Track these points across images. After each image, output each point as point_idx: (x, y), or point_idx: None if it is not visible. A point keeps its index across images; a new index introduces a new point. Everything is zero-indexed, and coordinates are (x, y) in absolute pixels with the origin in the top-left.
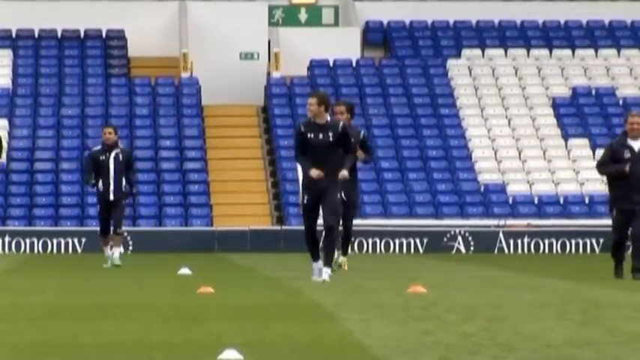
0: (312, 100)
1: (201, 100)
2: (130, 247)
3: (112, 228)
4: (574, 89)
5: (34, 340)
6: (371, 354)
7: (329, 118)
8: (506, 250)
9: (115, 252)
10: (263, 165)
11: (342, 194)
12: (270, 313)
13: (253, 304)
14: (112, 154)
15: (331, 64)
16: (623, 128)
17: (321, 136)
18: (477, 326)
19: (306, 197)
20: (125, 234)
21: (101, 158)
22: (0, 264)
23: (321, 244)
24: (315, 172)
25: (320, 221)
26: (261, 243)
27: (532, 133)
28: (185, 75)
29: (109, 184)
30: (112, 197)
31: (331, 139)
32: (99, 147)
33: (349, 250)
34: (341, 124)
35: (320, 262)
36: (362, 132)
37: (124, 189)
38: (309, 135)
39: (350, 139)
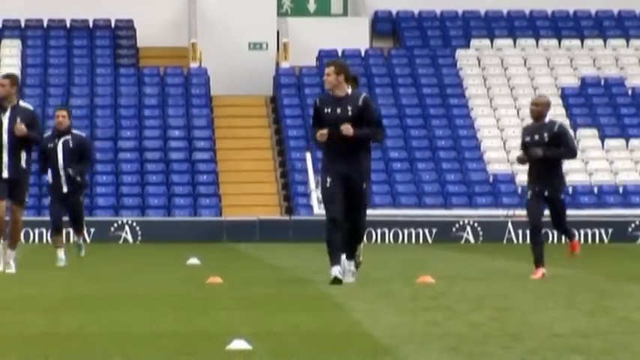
0: (329, 69)
1: (210, 90)
2: (139, 237)
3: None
4: (583, 79)
5: (43, 331)
6: (380, 344)
7: (349, 91)
8: (515, 240)
9: (79, 239)
10: (272, 155)
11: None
12: (278, 303)
13: (262, 294)
14: (61, 141)
15: (340, 54)
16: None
17: (339, 110)
18: (486, 316)
19: (328, 179)
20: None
21: (49, 146)
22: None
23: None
24: (320, 133)
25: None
26: (270, 233)
27: None
28: (194, 65)
29: (60, 175)
30: (64, 190)
31: (350, 113)
32: (49, 132)
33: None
34: (362, 96)
35: (339, 267)
36: (557, 123)
37: (77, 180)
38: (325, 110)
39: (374, 113)
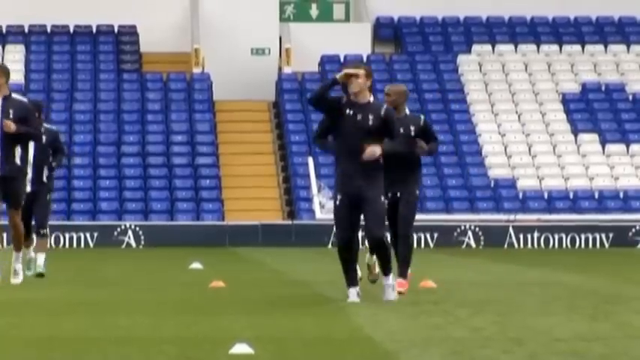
0: (360, 71)
1: (212, 95)
2: (142, 242)
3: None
4: (584, 85)
5: (46, 334)
6: (382, 348)
7: (372, 99)
8: (516, 245)
9: (39, 258)
10: (274, 160)
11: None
12: (280, 307)
13: (264, 298)
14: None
15: (342, 59)
16: None
17: (360, 117)
18: (487, 320)
19: (338, 197)
20: (50, 235)
21: None
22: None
23: (368, 259)
24: (343, 73)
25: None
26: (273, 237)
27: (542, 129)
28: (197, 70)
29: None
30: (29, 188)
31: (370, 122)
32: None
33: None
34: (385, 107)
35: (357, 288)
36: (422, 117)
37: (45, 179)
38: (347, 111)
39: (394, 126)
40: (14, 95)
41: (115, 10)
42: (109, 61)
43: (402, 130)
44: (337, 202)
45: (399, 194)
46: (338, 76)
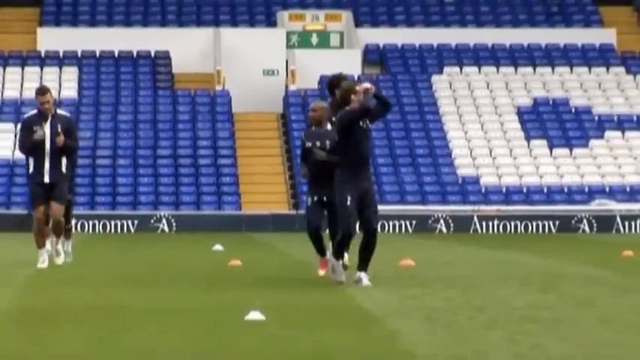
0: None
1: (232, 108)
2: (174, 228)
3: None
4: (535, 99)
5: (92, 304)
6: (370, 315)
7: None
8: (479, 231)
9: (67, 246)
10: (282, 161)
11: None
12: (287, 282)
13: (274, 274)
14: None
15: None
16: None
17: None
18: (456, 292)
19: (349, 198)
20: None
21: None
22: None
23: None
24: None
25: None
26: (280, 225)
27: (501, 135)
28: (219, 88)
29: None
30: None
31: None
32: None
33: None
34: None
35: (343, 261)
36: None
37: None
38: (360, 124)
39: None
40: (59, 111)
41: (152, 38)
42: (147, 80)
43: (318, 144)
44: (348, 203)
45: (325, 198)
46: (362, 102)
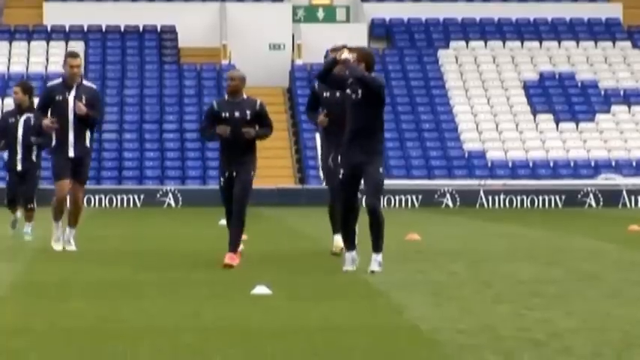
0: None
1: None
2: (180, 202)
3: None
4: (541, 74)
5: (101, 278)
6: (375, 289)
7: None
8: (485, 205)
9: (27, 227)
10: (288, 136)
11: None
12: (293, 256)
13: (280, 249)
14: (23, 118)
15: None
16: None
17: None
18: (462, 266)
19: (341, 172)
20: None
21: (10, 121)
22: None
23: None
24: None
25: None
26: (286, 199)
27: (507, 110)
28: (225, 62)
29: (17, 152)
30: (19, 167)
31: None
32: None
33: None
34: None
35: (354, 253)
36: (257, 101)
37: (34, 158)
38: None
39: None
40: (85, 82)
41: (158, 12)
42: (153, 55)
43: (237, 114)
44: (341, 177)
45: (235, 173)
46: (338, 57)
